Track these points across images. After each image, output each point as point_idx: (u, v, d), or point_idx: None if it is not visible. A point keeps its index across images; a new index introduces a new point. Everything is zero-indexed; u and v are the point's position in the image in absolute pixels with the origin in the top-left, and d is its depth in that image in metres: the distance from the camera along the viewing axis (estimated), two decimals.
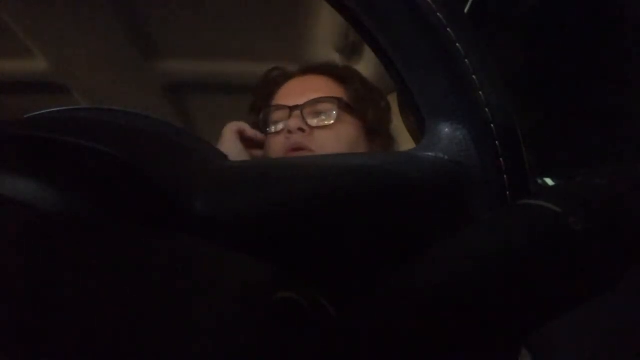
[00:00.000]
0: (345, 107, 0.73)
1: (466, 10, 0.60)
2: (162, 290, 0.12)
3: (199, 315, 0.12)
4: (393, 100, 0.98)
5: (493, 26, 0.67)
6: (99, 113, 0.26)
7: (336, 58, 0.98)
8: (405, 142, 0.92)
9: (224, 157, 0.24)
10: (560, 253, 0.17)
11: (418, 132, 0.29)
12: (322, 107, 0.72)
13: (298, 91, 0.75)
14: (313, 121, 0.71)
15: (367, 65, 0.96)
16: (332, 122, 0.71)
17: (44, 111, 0.26)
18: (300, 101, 0.72)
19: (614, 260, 0.18)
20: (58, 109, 0.26)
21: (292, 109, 0.72)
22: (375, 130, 0.76)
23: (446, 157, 0.26)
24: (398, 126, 0.96)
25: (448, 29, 0.25)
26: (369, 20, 0.27)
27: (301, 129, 0.70)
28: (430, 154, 0.26)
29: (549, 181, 0.61)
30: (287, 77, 0.79)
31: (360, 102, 0.74)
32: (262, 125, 0.76)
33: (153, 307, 0.12)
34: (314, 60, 0.98)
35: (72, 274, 0.12)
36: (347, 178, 0.22)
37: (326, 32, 0.95)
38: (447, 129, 0.26)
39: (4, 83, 1.06)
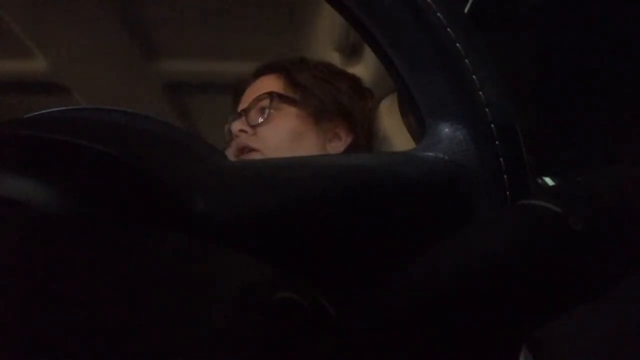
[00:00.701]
0: (279, 98, 0.73)
1: (466, 10, 0.60)
2: (161, 290, 0.12)
3: (198, 316, 0.12)
4: (393, 100, 0.98)
5: (494, 26, 0.67)
6: (99, 113, 0.26)
7: (336, 58, 0.97)
8: (405, 142, 0.92)
9: (224, 156, 0.24)
10: (560, 253, 0.17)
11: (418, 132, 0.29)
12: (261, 104, 0.73)
13: (249, 96, 0.76)
14: (252, 120, 0.72)
15: (367, 65, 0.96)
16: (266, 115, 0.71)
17: (44, 111, 0.26)
18: (245, 105, 0.74)
19: (615, 260, 0.18)
20: (58, 109, 0.26)
21: (238, 115, 0.75)
22: (327, 114, 0.74)
23: (446, 157, 0.26)
24: (398, 126, 0.96)
25: (448, 29, 0.25)
26: (369, 20, 0.27)
27: (242, 130, 0.72)
28: (430, 154, 0.26)
29: (549, 181, 0.61)
30: (246, 85, 0.81)
31: (300, 88, 0.74)
32: (227, 139, 0.78)
33: (153, 307, 0.12)
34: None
35: (72, 274, 0.12)
36: (347, 178, 0.22)
37: (326, 32, 0.95)
38: (447, 129, 0.26)
39: (4, 83, 1.06)
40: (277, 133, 0.71)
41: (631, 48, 0.54)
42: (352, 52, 0.96)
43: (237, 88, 0.82)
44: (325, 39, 0.97)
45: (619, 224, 0.18)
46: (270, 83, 0.76)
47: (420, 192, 0.24)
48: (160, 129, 0.26)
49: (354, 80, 0.81)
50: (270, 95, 0.72)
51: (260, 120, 0.71)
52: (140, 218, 0.16)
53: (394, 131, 0.96)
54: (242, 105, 0.76)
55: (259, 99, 0.73)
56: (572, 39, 0.61)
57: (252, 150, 0.71)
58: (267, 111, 0.72)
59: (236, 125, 0.73)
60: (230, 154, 0.74)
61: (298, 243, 0.19)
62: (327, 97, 0.75)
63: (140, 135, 0.21)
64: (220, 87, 1.07)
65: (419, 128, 0.29)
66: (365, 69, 0.96)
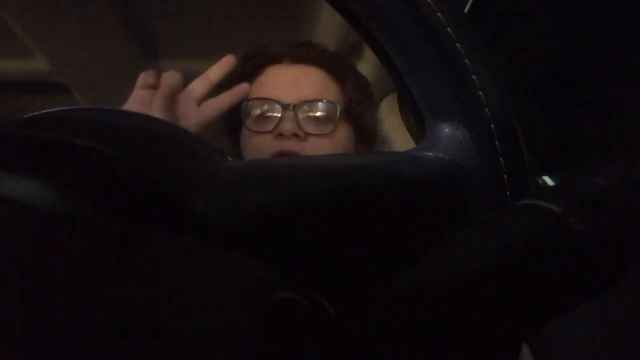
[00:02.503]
0: (344, 114, 0.65)
1: (466, 10, 0.60)
2: (161, 290, 0.12)
3: (198, 316, 0.12)
4: (393, 100, 0.98)
5: (494, 26, 0.67)
6: (99, 113, 0.26)
7: None
8: (405, 142, 0.92)
9: (224, 156, 0.24)
10: (560, 253, 0.17)
11: (418, 132, 0.29)
12: (319, 110, 0.64)
13: (289, 84, 0.65)
14: (309, 126, 0.63)
15: (367, 65, 0.96)
16: (331, 129, 0.64)
17: (44, 111, 0.26)
18: (293, 98, 0.63)
19: (614, 260, 0.18)
20: (58, 109, 0.26)
21: (284, 107, 0.63)
22: (369, 135, 0.71)
23: (446, 157, 0.26)
24: (398, 126, 0.96)
25: (448, 29, 0.25)
26: (369, 20, 0.27)
27: (296, 135, 0.62)
28: (430, 154, 0.26)
29: (549, 181, 0.61)
30: (274, 59, 0.69)
31: (356, 106, 0.68)
32: (243, 117, 0.66)
33: (153, 307, 0.12)
34: None
35: (71, 274, 0.12)
36: (347, 178, 0.22)
37: (326, 32, 0.95)
38: (447, 129, 0.26)
39: (4, 83, 1.06)
40: (333, 149, 0.63)
41: (631, 48, 0.54)
42: (352, 52, 0.96)
43: (258, 59, 0.70)
44: (325, 39, 0.97)
45: (618, 224, 0.18)
46: (327, 86, 0.67)
47: (420, 192, 0.24)
48: (160, 129, 0.26)
49: (371, 87, 0.75)
50: (338, 107, 0.65)
51: (321, 132, 0.63)
52: (140, 218, 0.16)
53: (394, 131, 0.96)
54: (282, 93, 0.64)
55: (319, 103, 0.64)
56: (571, 39, 0.61)
57: (294, 155, 0.62)
58: (332, 125, 0.64)
59: (290, 128, 0.62)
60: (265, 148, 0.63)
61: (298, 243, 0.19)
62: (368, 123, 0.70)
63: (140, 135, 0.21)
64: (220, 87, 1.07)
65: (419, 128, 0.29)
66: (365, 69, 0.96)
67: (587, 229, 0.17)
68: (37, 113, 0.26)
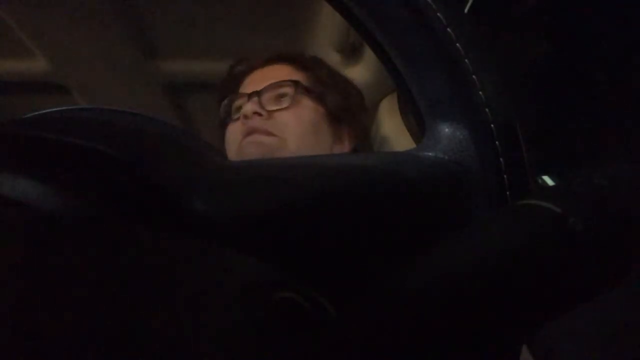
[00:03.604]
0: (303, 90, 0.71)
1: (466, 10, 0.60)
2: (161, 290, 0.12)
3: (198, 316, 0.12)
4: (393, 100, 0.98)
5: (494, 26, 0.67)
6: (99, 113, 0.26)
7: (336, 58, 0.97)
8: (405, 142, 0.92)
9: (224, 156, 0.24)
10: (560, 253, 0.17)
11: (418, 132, 0.29)
12: (280, 91, 0.71)
13: (258, 80, 0.74)
14: (271, 105, 0.70)
15: (367, 65, 0.96)
16: (289, 102, 0.70)
17: (44, 111, 0.26)
18: (259, 88, 0.71)
19: (614, 261, 0.18)
20: (58, 109, 0.26)
21: (250, 95, 0.71)
22: (339, 117, 0.74)
23: (446, 157, 0.26)
24: (398, 126, 0.96)
25: (448, 29, 0.25)
26: (369, 20, 0.27)
27: (257, 113, 0.69)
28: (430, 154, 0.26)
29: (549, 181, 0.61)
30: (251, 68, 0.78)
31: (321, 87, 0.73)
32: (223, 117, 0.76)
33: (152, 307, 0.12)
34: None
35: (71, 274, 0.12)
36: (348, 178, 0.22)
37: (326, 32, 0.95)
38: (447, 129, 0.26)
39: (4, 83, 1.06)
40: (297, 121, 0.69)
41: (632, 48, 0.54)
42: (352, 52, 0.96)
43: (238, 70, 0.79)
44: (325, 39, 0.97)
45: (618, 224, 0.18)
46: (290, 73, 0.74)
47: (420, 192, 0.24)
48: (160, 128, 0.26)
49: (359, 91, 0.81)
50: (295, 84, 0.71)
51: (282, 105, 0.69)
52: (140, 218, 0.16)
53: (394, 131, 0.96)
54: (251, 87, 0.73)
55: (279, 84, 0.71)
56: (572, 39, 0.61)
57: (268, 134, 0.68)
58: (288, 98, 0.70)
59: (250, 107, 0.69)
60: (235, 133, 0.71)
61: (298, 243, 0.19)
62: (342, 101, 0.74)
63: (140, 135, 0.21)
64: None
65: (419, 128, 0.29)
66: (365, 69, 0.96)
67: (587, 229, 0.17)
68: (37, 113, 0.26)
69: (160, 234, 0.15)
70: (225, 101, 0.76)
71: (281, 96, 0.71)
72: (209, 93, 1.11)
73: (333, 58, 0.97)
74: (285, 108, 0.69)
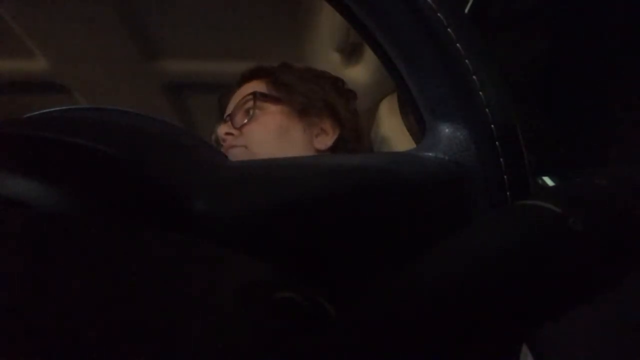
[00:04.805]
0: (263, 97, 0.74)
1: (466, 10, 0.60)
2: (161, 290, 0.12)
3: (198, 316, 0.12)
4: (393, 100, 0.98)
5: (494, 26, 0.67)
6: (99, 113, 0.26)
7: (336, 58, 0.97)
8: (405, 142, 0.92)
9: (225, 156, 0.24)
10: (560, 253, 0.17)
11: (418, 132, 0.29)
12: (245, 107, 0.74)
13: (232, 104, 0.78)
14: (237, 121, 0.73)
15: (367, 65, 0.96)
16: (251, 114, 0.72)
17: (44, 111, 0.26)
18: (229, 111, 0.76)
19: (614, 261, 0.18)
20: (58, 109, 0.26)
21: (225, 120, 0.76)
22: (310, 110, 0.75)
23: (446, 158, 0.26)
24: (398, 126, 0.96)
25: (448, 29, 0.25)
26: (369, 20, 0.27)
27: (229, 133, 0.73)
28: (430, 154, 0.26)
29: (549, 181, 0.61)
30: (230, 92, 0.82)
31: (283, 87, 0.75)
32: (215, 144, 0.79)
33: (152, 307, 0.12)
34: (314, 61, 0.98)
35: (72, 273, 0.12)
36: (347, 178, 0.22)
37: (326, 32, 0.95)
38: (447, 130, 0.26)
39: (4, 83, 1.06)
40: (262, 129, 0.72)
41: (632, 48, 0.54)
42: (352, 52, 0.96)
43: (222, 98, 0.84)
44: (325, 39, 0.97)
45: (618, 225, 0.18)
46: (253, 87, 0.77)
47: (421, 192, 0.24)
48: (160, 128, 0.26)
49: (337, 80, 0.82)
50: (254, 95, 0.73)
51: (246, 120, 0.73)
52: (140, 218, 0.16)
53: (394, 131, 0.96)
54: (227, 112, 0.78)
55: (243, 101, 0.74)
56: (572, 39, 0.61)
57: (240, 147, 0.71)
58: (251, 111, 0.73)
59: (222, 129, 0.74)
60: None
61: (298, 243, 0.19)
62: (311, 94, 0.76)
63: (140, 135, 0.21)
64: (220, 87, 1.07)
65: (419, 128, 0.29)
66: (365, 69, 0.96)
67: (587, 229, 0.17)
68: (37, 113, 0.26)
69: (161, 233, 0.15)
70: (213, 136, 0.80)
71: (247, 111, 0.74)
72: (209, 93, 1.11)
73: (333, 58, 0.97)
74: (250, 120, 0.72)
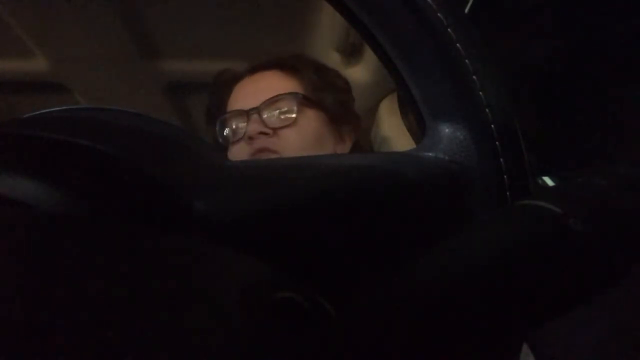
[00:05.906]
0: (303, 100, 0.69)
1: (466, 10, 0.60)
2: (161, 289, 0.12)
3: (198, 316, 0.12)
4: (393, 100, 0.98)
5: (494, 26, 0.67)
6: (99, 113, 0.26)
7: (336, 58, 0.97)
8: (405, 142, 0.92)
9: (225, 156, 0.24)
10: (560, 253, 0.17)
11: (418, 132, 0.29)
12: (279, 105, 0.68)
13: (251, 92, 0.70)
14: (274, 122, 0.67)
15: (367, 65, 0.96)
16: (293, 118, 0.67)
17: (44, 111, 0.26)
18: (256, 103, 0.68)
19: (615, 261, 0.18)
20: (58, 109, 0.26)
21: (249, 112, 0.68)
22: (340, 115, 0.72)
23: (446, 158, 0.26)
24: (398, 126, 0.96)
25: (448, 29, 0.25)
26: (369, 20, 0.27)
27: (263, 133, 0.66)
28: (430, 154, 0.26)
29: (549, 181, 0.61)
30: (237, 78, 0.75)
31: (318, 91, 0.71)
32: (220, 136, 0.72)
33: (152, 306, 0.12)
34: None
35: (72, 273, 0.12)
36: (347, 178, 0.22)
37: (326, 32, 0.95)
38: (447, 130, 0.26)
39: (4, 83, 1.06)
40: (302, 136, 0.67)
41: (632, 48, 0.54)
42: (352, 52, 0.96)
43: (224, 82, 0.76)
44: (325, 39, 0.97)
45: (618, 225, 0.18)
46: (284, 82, 0.71)
47: (421, 192, 0.24)
48: (160, 128, 0.26)
49: (343, 77, 0.79)
50: (296, 96, 0.68)
51: (285, 122, 0.67)
52: (140, 218, 0.16)
53: (394, 131, 0.96)
54: (243, 101, 0.70)
55: (277, 98, 0.68)
56: (572, 39, 0.61)
57: (274, 152, 0.66)
58: (293, 114, 0.67)
59: (255, 127, 0.66)
60: (241, 154, 0.68)
61: (298, 243, 0.19)
62: (339, 100, 0.72)
63: (140, 135, 0.21)
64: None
65: (419, 128, 0.29)
66: (365, 69, 0.96)
67: (587, 229, 0.17)
68: (37, 113, 0.26)
69: (161, 233, 0.15)
70: (219, 124, 0.72)
71: (282, 112, 0.68)
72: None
73: (333, 58, 0.97)
74: (291, 124, 0.67)
